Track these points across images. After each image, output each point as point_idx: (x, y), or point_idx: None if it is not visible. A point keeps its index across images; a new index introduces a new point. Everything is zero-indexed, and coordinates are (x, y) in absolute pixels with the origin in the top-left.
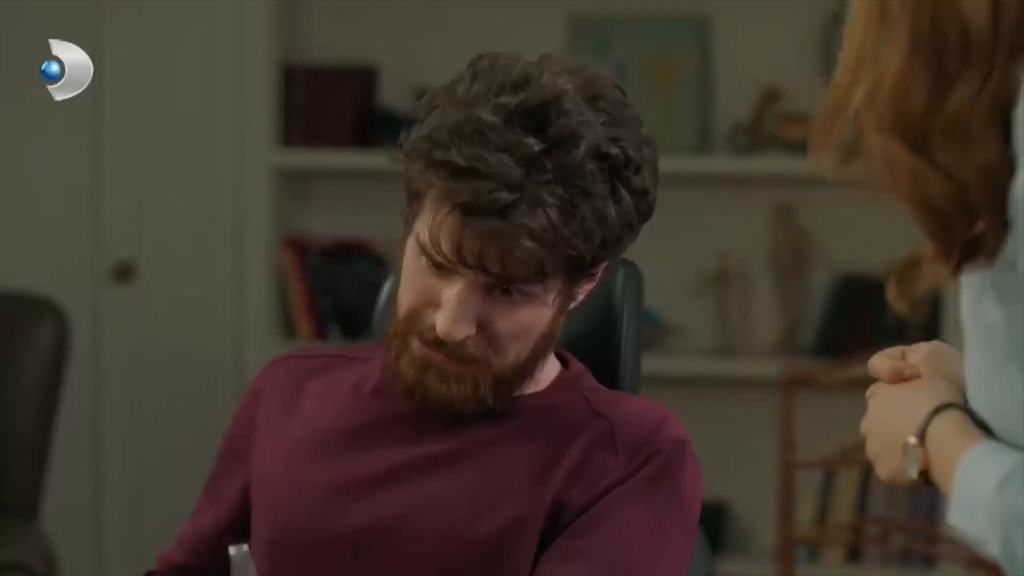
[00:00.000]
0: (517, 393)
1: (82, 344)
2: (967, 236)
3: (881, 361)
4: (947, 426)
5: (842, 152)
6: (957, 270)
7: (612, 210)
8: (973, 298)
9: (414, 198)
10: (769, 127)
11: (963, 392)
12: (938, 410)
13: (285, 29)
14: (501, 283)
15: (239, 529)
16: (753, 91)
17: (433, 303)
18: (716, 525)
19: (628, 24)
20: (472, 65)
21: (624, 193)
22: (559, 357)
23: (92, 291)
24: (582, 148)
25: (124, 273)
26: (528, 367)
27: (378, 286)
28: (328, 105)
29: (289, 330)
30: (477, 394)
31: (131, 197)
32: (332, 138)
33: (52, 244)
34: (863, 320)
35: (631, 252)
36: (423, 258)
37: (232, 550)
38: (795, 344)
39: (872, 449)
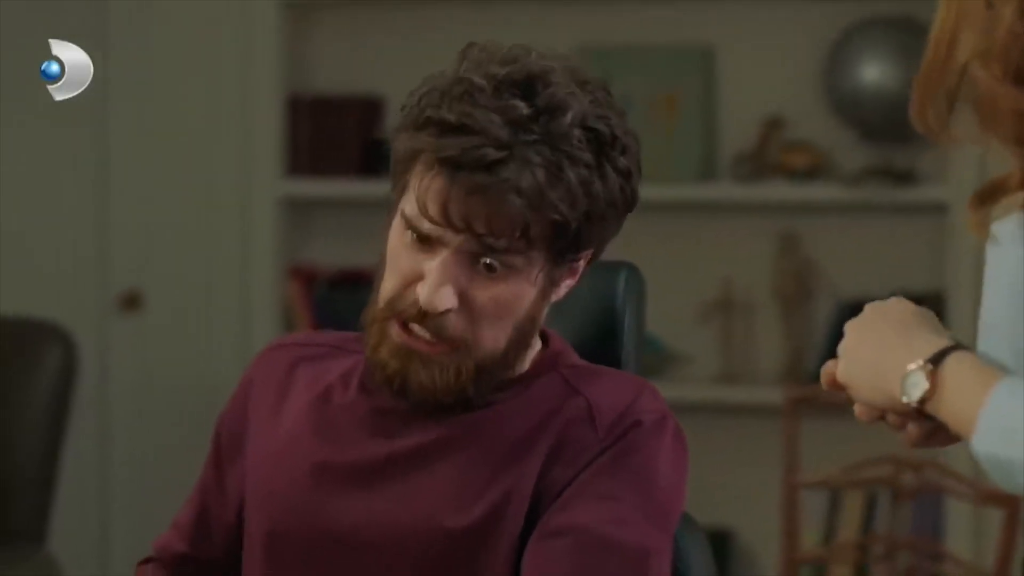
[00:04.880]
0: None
1: (89, 372)
2: None
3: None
4: (968, 363)
5: (946, 103)
6: None
7: (598, 183)
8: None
9: (401, 174)
10: (772, 156)
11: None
12: (952, 348)
13: (291, 59)
14: (486, 249)
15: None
16: (756, 120)
17: (416, 281)
18: (722, 552)
19: (633, 54)
20: (462, 52)
21: (609, 170)
22: (540, 335)
23: (99, 320)
24: (569, 117)
25: (131, 302)
26: (509, 356)
27: None
28: (334, 135)
29: None
30: (459, 383)
31: (138, 226)
32: (338, 168)
33: (59, 273)
34: None
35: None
36: (408, 233)
37: None
38: (799, 371)
39: (849, 372)
